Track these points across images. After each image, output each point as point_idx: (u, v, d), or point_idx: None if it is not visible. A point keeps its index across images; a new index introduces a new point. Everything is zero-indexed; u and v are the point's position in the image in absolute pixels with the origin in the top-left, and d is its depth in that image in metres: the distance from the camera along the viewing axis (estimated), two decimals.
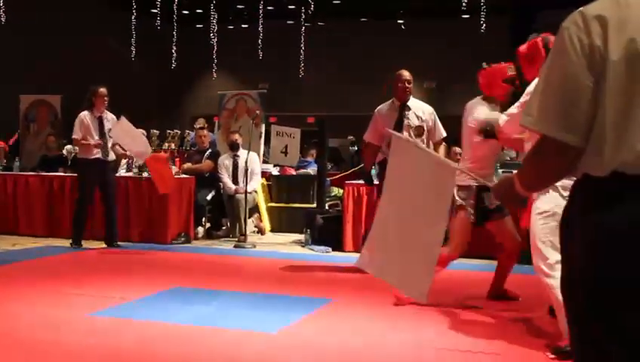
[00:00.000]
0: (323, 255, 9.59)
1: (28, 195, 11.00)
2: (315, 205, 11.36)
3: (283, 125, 12.43)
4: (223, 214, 11.55)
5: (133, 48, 22.25)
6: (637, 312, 2.15)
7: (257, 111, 12.86)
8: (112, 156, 9.68)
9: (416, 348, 5.05)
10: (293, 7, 22.81)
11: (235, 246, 10.21)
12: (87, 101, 9.53)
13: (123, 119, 9.46)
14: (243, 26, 24.72)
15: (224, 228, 11.60)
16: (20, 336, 5.08)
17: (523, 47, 4.95)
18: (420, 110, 7.79)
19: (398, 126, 7.50)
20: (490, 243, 6.77)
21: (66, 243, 9.65)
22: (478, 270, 7.85)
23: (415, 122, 7.66)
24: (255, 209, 11.65)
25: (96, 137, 9.40)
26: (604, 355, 2.19)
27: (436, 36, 23.91)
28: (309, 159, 13.58)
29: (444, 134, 7.83)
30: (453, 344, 5.15)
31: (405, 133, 7.39)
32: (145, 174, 10.33)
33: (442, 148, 8.04)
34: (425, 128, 7.68)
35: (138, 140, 9.75)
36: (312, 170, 12.74)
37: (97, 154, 9.42)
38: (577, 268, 2.23)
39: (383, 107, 7.91)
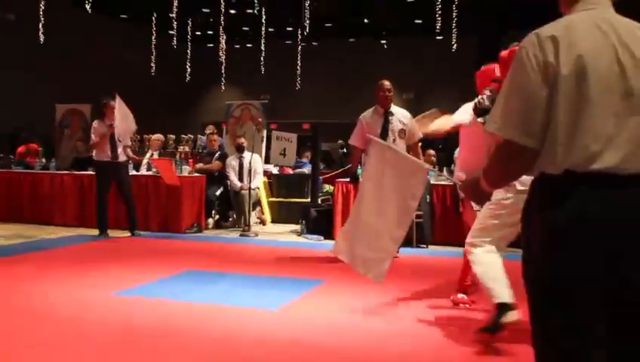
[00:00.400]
0: (316, 242, 9.59)
1: (62, 191, 11.01)
2: (309, 200, 11.36)
3: (282, 131, 12.48)
4: (229, 207, 11.54)
5: (152, 64, 22.25)
6: (590, 309, 2.14)
7: (260, 119, 12.92)
8: (122, 158, 9.64)
9: (399, 321, 5.01)
10: (290, 29, 22.79)
11: (240, 235, 10.21)
12: (100, 112, 9.60)
13: (118, 98, 9.48)
14: (248, 45, 24.68)
15: (231, 219, 11.60)
16: (52, 313, 5.07)
17: (504, 53, 4.82)
18: (401, 115, 7.73)
19: (384, 130, 7.50)
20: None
21: (95, 232, 9.61)
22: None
23: (398, 126, 7.59)
24: (258, 203, 11.66)
25: (108, 146, 9.44)
26: (563, 354, 2.18)
27: (414, 54, 23.92)
28: (304, 160, 13.61)
29: (421, 136, 7.54)
30: (436, 317, 5.13)
31: (391, 136, 7.42)
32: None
33: (419, 149, 7.95)
34: (406, 131, 7.59)
35: (129, 118, 9.71)
36: (307, 169, 12.77)
37: (108, 157, 9.44)
38: (536, 266, 2.23)
39: (367, 114, 7.83)
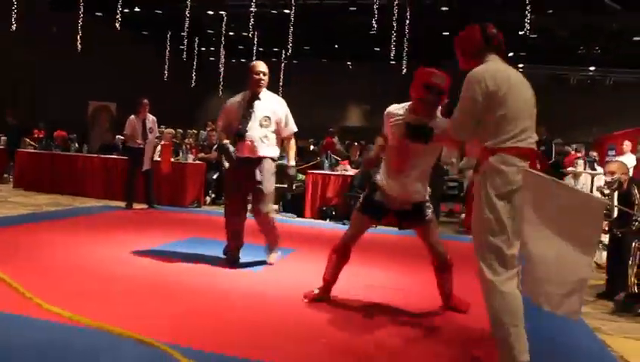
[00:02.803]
0: (291, 219, 9.74)
1: (92, 170, 11.00)
2: (286, 185, 11.48)
3: None
4: (223, 189, 11.62)
5: (166, 72, 22.20)
6: None
7: None
8: (151, 145, 9.67)
9: (364, 285, 4.98)
10: (276, 49, 22.86)
11: None
12: (135, 109, 9.57)
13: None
14: (242, 60, 24.70)
15: (223, 198, 11.68)
16: (83, 266, 5.17)
17: (462, 32, 3.49)
18: (271, 102, 5.54)
19: (246, 115, 5.41)
20: None
21: (120, 204, 9.68)
22: None
23: (263, 113, 5.44)
24: None
25: (140, 134, 9.46)
26: None
27: (372, 74, 24.12)
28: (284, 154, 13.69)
29: (295, 129, 5.77)
30: (396, 284, 5.23)
31: (252, 122, 5.39)
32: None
33: (293, 142, 5.85)
34: (272, 120, 5.48)
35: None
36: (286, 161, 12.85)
37: (137, 145, 9.45)
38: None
39: (235, 97, 5.63)
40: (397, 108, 4.17)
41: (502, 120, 3.07)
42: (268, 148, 5.54)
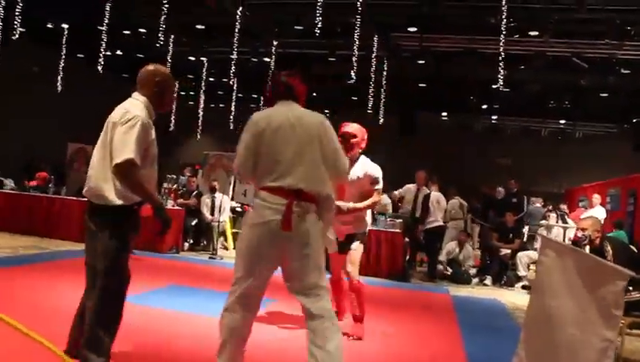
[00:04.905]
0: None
1: (70, 212, 10.94)
2: None
3: None
4: (202, 235, 11.66)
5: None
6: None
7: (230, 168, 13.10)
8: None
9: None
10: (255, 95, 23.19)
11: (209, 258, 10.33)
12: None
13: None
14: (220, 105, 24.96)
15: (202, 244, 11.70)
16: (61, 311, 5.14)
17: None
18: None
19: None
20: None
21: None
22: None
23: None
24: (223, 233, 11.80)
25: None
26: None
27: (350, 122, 24.42)
28: None
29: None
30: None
31: None
32: None
33: None
34: None
35: None
36: None
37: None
38: None
39: None
40: None
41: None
42: None
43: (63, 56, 17.59)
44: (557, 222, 10.26)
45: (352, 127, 5.23)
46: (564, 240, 9.51)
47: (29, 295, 5.76)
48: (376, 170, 5.24)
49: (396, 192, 10.63)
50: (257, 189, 3.42)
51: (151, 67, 3.62)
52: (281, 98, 3.63)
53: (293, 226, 3.23)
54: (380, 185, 5.22)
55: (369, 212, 5.52)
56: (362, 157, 5.29)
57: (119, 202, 3.36)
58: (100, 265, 3.36)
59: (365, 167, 5.20)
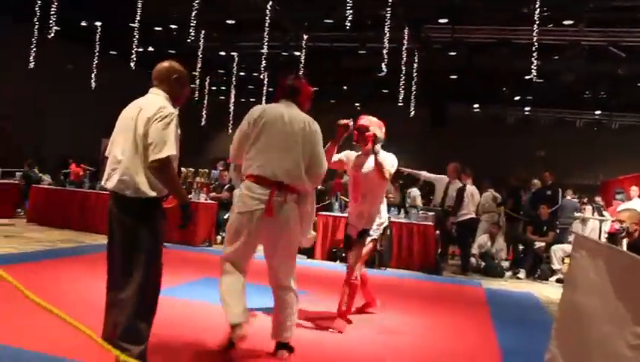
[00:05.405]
0: (300, 261, 9.74)
1: (104, 206, 11.04)
2: None
3: None
4: None
5: (178, 110, 22.50)
6: None
7: None
8: None
9: (364, 328, 5.19)
10: None
11: None
12: None
13: None
14: (251, 100, 25.05)
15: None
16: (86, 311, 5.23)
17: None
18: None
19: None
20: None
21: None
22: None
23: None
24: None
25: None
26: None
27: (381, 115, 24.29)
28: None
29: None
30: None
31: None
32: None
33: None
34: None
35: None
36: None
37: None
38: None
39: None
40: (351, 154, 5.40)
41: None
42: None
43: (97, 54, 17.88)
44: (593, 214, 10.07)
45: (365, 120, 5.41)
46: (600, 233, 9.33)
47: (71, 286, 5.90)
48: (389, 161, 5.19)
49: (422, 173, 10.44)
50: (244, 176, 3.97)
51: (166, 63, 3.68)
52: (285, 98, 4.14)
53: (274, 213, 3.81)
54: (389, 168, 5.13)
55: (384, 207, 5.50)
56: (381, 151, 5.23)
57: (153, 193, 3.42)
58: (140, 258, 3.41)
59: (380, 160, 5.16)
